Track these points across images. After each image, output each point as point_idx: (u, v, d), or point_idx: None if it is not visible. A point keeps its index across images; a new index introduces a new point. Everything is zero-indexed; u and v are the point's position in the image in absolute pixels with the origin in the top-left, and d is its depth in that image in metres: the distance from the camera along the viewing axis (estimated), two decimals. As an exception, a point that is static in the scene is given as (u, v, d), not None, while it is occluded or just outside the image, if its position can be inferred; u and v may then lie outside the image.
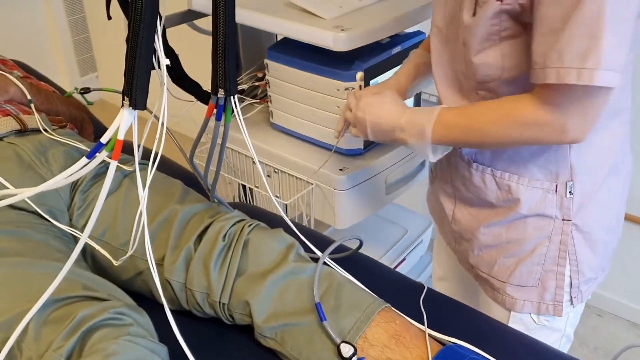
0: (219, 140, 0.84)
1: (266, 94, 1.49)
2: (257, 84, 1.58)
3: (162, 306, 0.80)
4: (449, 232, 1.16)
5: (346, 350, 0.80)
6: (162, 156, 1.30)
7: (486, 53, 0.90)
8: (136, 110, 0.63)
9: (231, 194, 1.67)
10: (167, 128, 1.04)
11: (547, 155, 0.96)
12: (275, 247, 0.92)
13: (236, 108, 0.72)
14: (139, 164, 0.93)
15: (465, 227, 1.09)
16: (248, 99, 1.59)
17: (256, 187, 1.52)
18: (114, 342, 0.74)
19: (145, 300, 0.96)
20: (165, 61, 0.63)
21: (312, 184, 1.41)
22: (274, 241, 0.93)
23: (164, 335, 0.82)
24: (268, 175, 1.50)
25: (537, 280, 1.02)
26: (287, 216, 0.99)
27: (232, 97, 0.72)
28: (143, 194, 0.73)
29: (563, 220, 0.99)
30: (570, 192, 0.98)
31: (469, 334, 0.88)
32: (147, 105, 0.75)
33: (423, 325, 0.86)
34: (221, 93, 0.71)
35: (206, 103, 0.76)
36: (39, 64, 1.86)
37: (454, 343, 0.84)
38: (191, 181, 1.15)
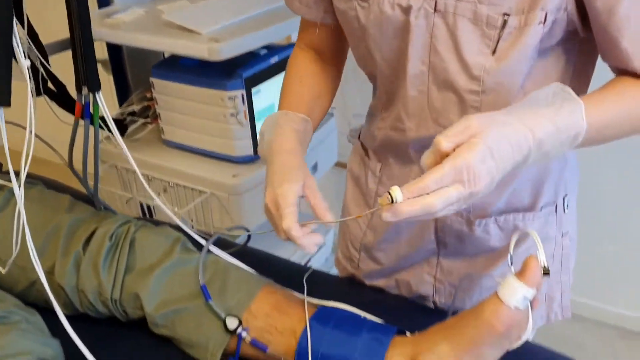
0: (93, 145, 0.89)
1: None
2: (146, 103, 1.63)
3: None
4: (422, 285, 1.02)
5: (231, 322, 0.86)
6: (51, 180, 1.33)
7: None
8: (1, 109, 0.67)
9: (133, 213, 1.70)
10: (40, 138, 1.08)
11: (549, 180, 0.91)
12: (162, 243, 0.97)
13: (101, 104, 0.77)
14: (26, 182, 0.97)
15: (458, 277, 0.98)
16: (140, 119, 1.64)
17: (152, 201, 1.56)
18: (2, 339, 0.77)
19: (41, 310, 0.98)
20: (26, 62, 0.68)
21: (206, 192, 1.46)
22: (160, 237, 0.98)
23: (63, 343, 0.85)
24: (165, 190, 1.55)
25: (544, 296, 1.01)
26: (194, 232, 1.01)
27: (97, 94, 0.77)
28: (20, 196, 0.77)
29: (562, 236, 0.98)
30: (567, 206, 0.95)
31: (349, 301, 0.95)
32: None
33: (303, 294, 0.93)
34: (85, 90, 0.76)
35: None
36: None
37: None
38: (80, 199, 1.19)
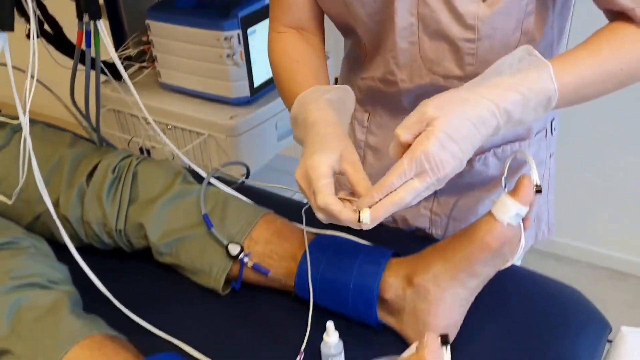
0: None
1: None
2: (142, 47, 1.63)
3: (64, 247, 0.87)
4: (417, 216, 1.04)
5: (233, 249, 0.89)
6: (51, 123, 1.35)
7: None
8: (6, 33, 0.69)
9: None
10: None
11: None
12: (163, 175, 0.99)
13: (102, 32, 0.78)
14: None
15: (455, 207, 0.99)
16: (136, 63, 1.64)
17: (152, 145, 1.58)
18: (13, 261, 0.80)
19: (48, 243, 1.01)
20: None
21: (204, 134, 1.48)
22: (161, 170, 1.00)
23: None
24: (163, 133, 1.56)
25: (534, 216, 1.01)
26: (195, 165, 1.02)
27: (97, 22, 0.78)
28: (25, 123, 0.79)
29: (550, 157, 0.99)
30: (554, 128, 0.97)
31: (346, 232, 0.98)
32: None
33: (301, 224, 0.96)
34: (86, 18, 0.77)
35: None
36: None
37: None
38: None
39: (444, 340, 0.57)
